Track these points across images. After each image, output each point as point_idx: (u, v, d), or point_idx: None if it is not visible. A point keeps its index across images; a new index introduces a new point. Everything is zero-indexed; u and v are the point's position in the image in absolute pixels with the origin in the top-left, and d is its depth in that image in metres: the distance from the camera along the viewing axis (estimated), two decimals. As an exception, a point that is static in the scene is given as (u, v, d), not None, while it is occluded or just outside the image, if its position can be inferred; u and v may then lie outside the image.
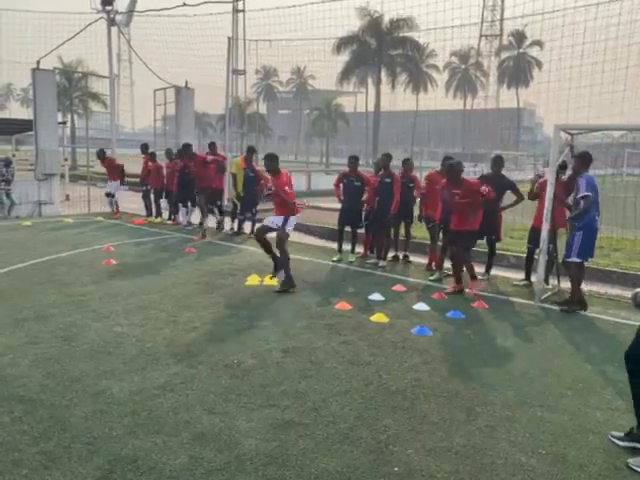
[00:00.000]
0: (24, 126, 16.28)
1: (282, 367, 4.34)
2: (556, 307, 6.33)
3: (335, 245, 9.22)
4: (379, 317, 5.66)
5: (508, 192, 7.51)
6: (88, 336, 4.90)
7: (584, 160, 6.20)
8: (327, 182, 26.44)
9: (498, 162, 7.65)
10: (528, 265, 7.39)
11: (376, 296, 6.49)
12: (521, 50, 57.66)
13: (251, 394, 3.84)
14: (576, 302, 6.23)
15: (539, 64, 55.52)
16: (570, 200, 6.48)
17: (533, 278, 7.17)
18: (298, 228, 12.91)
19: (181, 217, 12.14)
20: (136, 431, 3.29)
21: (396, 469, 2.98)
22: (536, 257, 6.94)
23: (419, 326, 5.33)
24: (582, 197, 5.96)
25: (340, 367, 4.37)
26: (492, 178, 7.34)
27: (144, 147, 12.91)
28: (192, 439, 3.22)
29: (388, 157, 8.44)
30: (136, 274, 7.40)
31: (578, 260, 6.10)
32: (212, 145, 11.80)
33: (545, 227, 6.44)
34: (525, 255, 7.62)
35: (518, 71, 57.01)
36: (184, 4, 20.62)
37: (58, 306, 5.74)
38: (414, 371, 4.33)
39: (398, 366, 4.43)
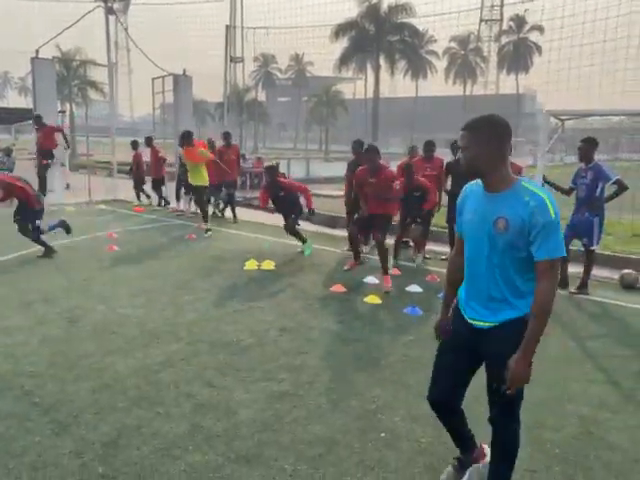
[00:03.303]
0: (24, 115, 16.43)
1: (279, 345, 4.55)
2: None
3: (332, 232, 9.39)
4: (372, 299, 5.86)
5: None
6: (93, 317, 5.11)
7: (595, 145, 6.34)
8: (326, 169, 26.56)
9: (456, 147, 7.72)
10: None
11: (370, 279, 6.69)
12: (521, 35, 57.31)
13: (249, 369, 4.05)
14: (561, 280, 6.47)
15: (539, 49, 55.24)
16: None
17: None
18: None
19: (182, 205, 12.34)
20: (140, 403, 3.51)
21: (383, 435, 3.20)
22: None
23: (410, 306, 5.53)
24: (616, 181, 6.13)
25: (334, 344, 4.59)
26: (457, 164, 7.53)
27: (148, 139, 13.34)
28: (192, 409, 3.44)
29: (360, 145, 8.22)
30: (138, 260, 7.60)
31: (597, 247, 6.35)
32: (227, 135, 11.77)
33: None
34: None
35: (518, 56, 56.71)
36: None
37: (63, 290, 5.95)
38: (404, 347, 4.54)
39: (389, 343, 4.64)
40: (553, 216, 2.11)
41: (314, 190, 17.86)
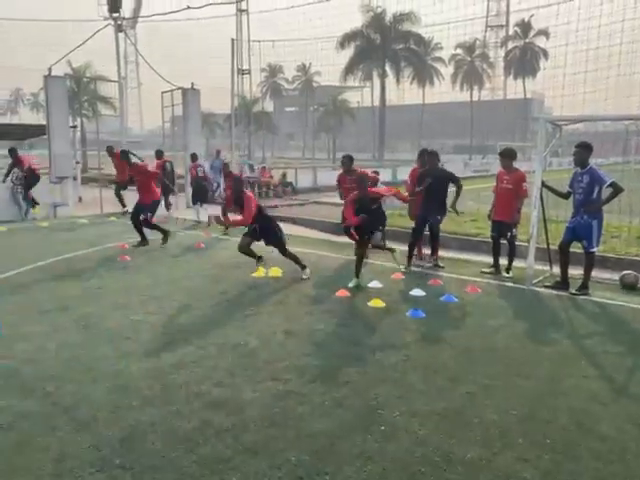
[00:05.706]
0: (37, 131, 16.86)
1: (284, 347, 4.75)
2: (553, 291, 6.59)
3: (337, 239, 9.60)
4: (376, 302, 6.04)
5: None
6: (107, 324, 5.35)
7: (590, 151, 6.53)
8: (333, 178, 26.79)
9: (433, 156, 7.85)
10: (495, 253, 7.58)
11: (375, 284, 6.87)
12: (527, 40, 57.45)
13: (256, 369, 4.25)
14: (562, 281, 6.62)
15: (545, 54, 55.35)
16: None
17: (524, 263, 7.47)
18: (305, 224, 13.32)
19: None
20: (153, 402, 3.72)
21: (382, 428, 3.38)
22: (525, 243, 7.24)
23: (413, 309, 5.70)
24: (611, 184, 6.30)
25: (338, 346, 4.77)
26: (431, 172, 7.71)
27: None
28: (202, 407, 3.64)
29: (350, 159, 8.66)
30: (149, 269, 7.85)
31: (596, 249, 6.50)
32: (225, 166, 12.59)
33: (534, 214, 6.77)
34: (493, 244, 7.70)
35: (524, 61, 56.79)
36: (188, 7, 21.10)
37: (78, 298, 6.20)
38: (405, 348, 4.71)
39: (391, 344, 4.82)
40: None
41: (321, 198, 18.14)
